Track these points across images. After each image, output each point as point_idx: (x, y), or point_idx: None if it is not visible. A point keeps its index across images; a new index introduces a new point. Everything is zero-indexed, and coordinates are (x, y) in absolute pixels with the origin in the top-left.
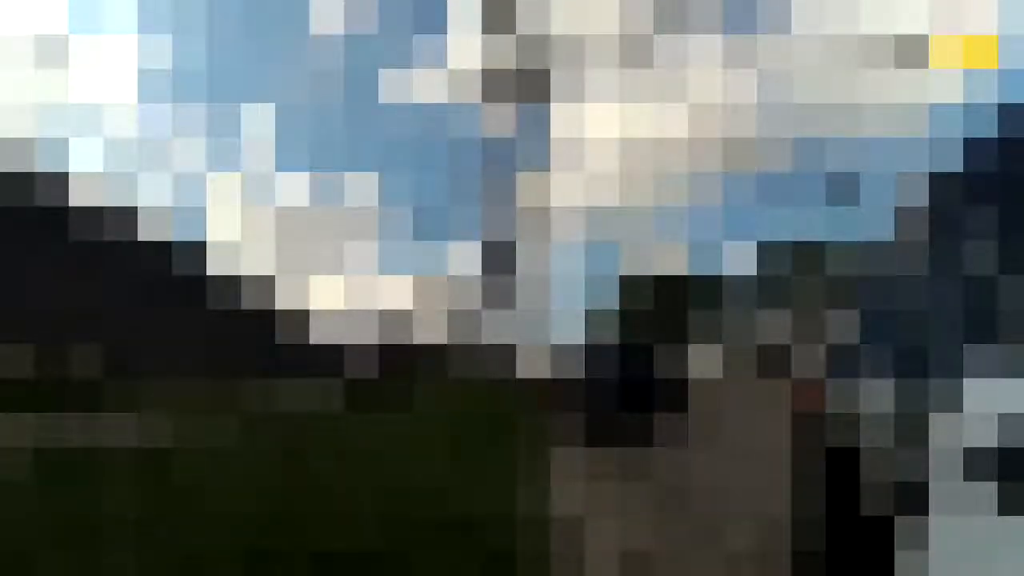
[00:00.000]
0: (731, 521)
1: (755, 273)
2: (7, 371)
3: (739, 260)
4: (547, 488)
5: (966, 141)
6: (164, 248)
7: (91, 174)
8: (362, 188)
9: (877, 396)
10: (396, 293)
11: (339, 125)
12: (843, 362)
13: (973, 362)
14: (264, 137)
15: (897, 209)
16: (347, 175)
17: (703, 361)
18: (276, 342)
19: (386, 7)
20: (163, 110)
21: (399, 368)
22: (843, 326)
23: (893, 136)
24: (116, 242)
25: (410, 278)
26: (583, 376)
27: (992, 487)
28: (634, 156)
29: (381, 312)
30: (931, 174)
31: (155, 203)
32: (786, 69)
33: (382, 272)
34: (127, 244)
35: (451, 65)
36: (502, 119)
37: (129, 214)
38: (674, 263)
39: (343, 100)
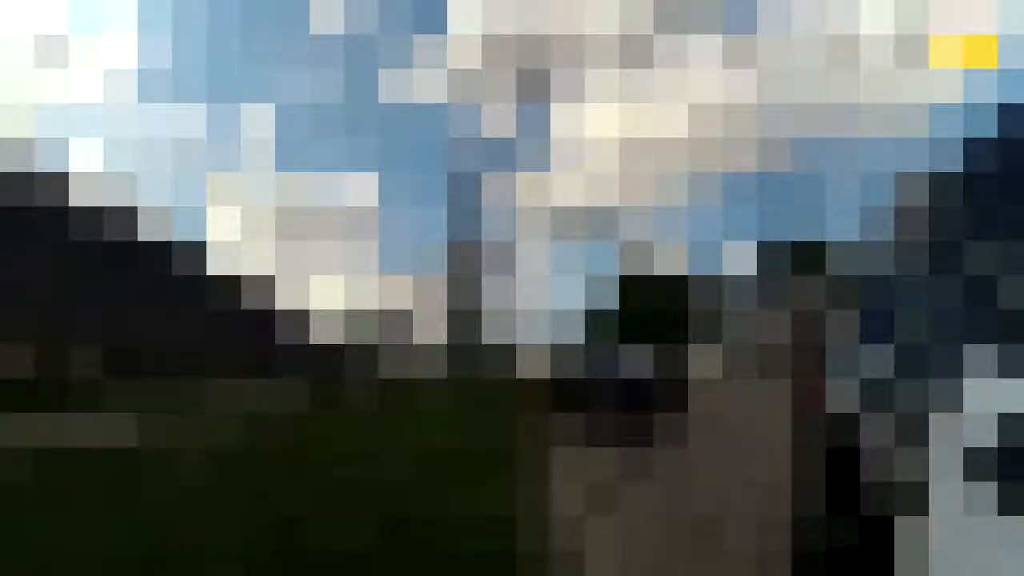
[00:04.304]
0: (731, 521)
1: (755, 273)
2: (7, 371)
3: (739, 260)
4: (547, 488)
5: (966, 141)
6: (164, 248)
7: (91, 174)
8: (362, 188)
9: (877, 396)
10: (396, 293)
11: (339, 125)
12: (843, 362)
13: (973, 362)
14: (264, 137)
15: (897, 209)
16: (347, 175)
17: (703, 361)
18: (276, 342)
19: (386, 7)
20: (163, 110)
21: (398, 368)
22: (843, 326)
23: (893, 136)
24: (116, 242)
25: (410, 278)
26: (583, 376)
27: (992, 487)
28: (634, 156)
29: (381, 312)
30: (931, 174)
31: (155, 203)
32: (786, 69)
33: (382, 272)
34: (127, 244)
35: (451, 65)
36: (502, 119)
37: (129, 214)
38: (674, 263)
39: (343, 100)
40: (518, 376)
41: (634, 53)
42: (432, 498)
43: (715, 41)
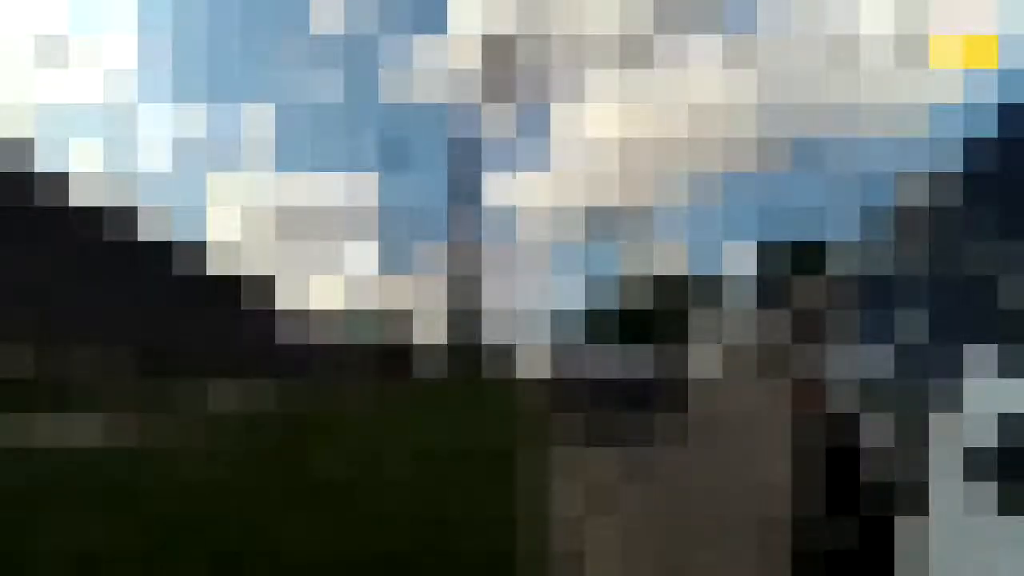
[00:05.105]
0: (731, 521)
1: (755, 273)
2: (7, 371)
3: (739, 260)
4: (547, 488)
5: (966, 141)
6: (164, 248)
7: (91, 174)
8: (362, 188)
9: (877, 396)
10: (396, 293)
11: (339, 125)
12: (843, 362)
13: (973, 362)
14: (264, 137)
15: (897, 209)
16: (347, 175)
17: (703, 361)
18: (276, 342)
19: (386, 7)
20: (163, 110)
21: (399, 368)
22: (843, 326)
23: (893, 136)
24: (116, 242)
25: (410, 278)
26: (583, 376)
27: (992, 487)
28: (634, 156)
29: (381, 312)
30: (931, 174)
31: (155, 203)
32: (786, 69)
33: (382, 272)
34: (127, 244)
35: (451, 65)
36: (502, 119)
37: (129, 214)
38: (674, 263)
39: (343, 100)
40: (518, 376)
41: (634, 53)
42: (432, 498)
43: (715, 41)
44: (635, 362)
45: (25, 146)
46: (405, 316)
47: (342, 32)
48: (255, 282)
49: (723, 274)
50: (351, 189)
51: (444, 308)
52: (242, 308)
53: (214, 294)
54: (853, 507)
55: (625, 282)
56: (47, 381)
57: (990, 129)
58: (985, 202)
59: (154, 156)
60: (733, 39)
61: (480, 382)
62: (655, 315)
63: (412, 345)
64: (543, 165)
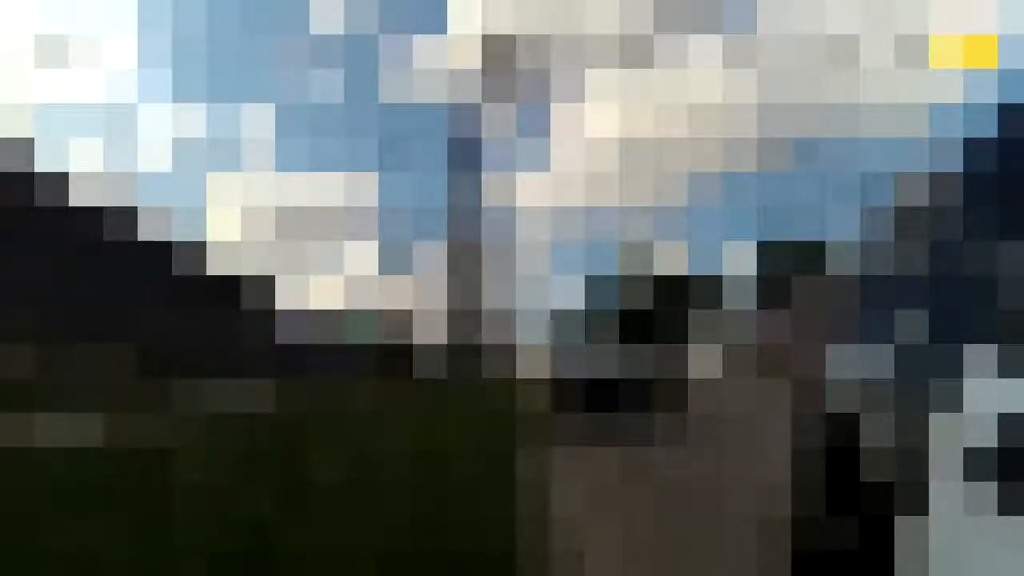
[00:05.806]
0: (731, 521)
1: (755, 273)
2: (7, 371)
3: (739, 260)
4: (547, 488)
5: (966, 141)
6: (164, 248)
7: (91, 174)
8: (362, 188)
9: (877, 396)
10: (396, 293)
11: (339, 125)
12: (843, 362)
13: (973, 362)
14: (264, 137)
15: (897, 209)
16: (347, 175)
17: (703, 361)
18: (276, 342)
19: (386, 7)
20: (163, 110)
21: (399, 368)
22: (843, 326)
23: (893, 136)
24: (116, 242)
25: (410, 278)
26: (583, 376)
27: (992, 487)
28: (634, 156)
29: (381, 312)
30: (931, 174)
31: (155, 203)
32: (786, 69)
33: (382, 272)
34: (127, 244)
35: (451, 65)
36: (502, 119)
37: (129, 214)
38: (674, 263)
39: (343, 100)
40: (518, 376)
41: (634, 53)
42: (432, 498)
43: (715, 41)
44: (635, 362)
45: (25, 146)
46: (405, 316)
47: (342, 32)
48: (255, 282)
49: (723, 274)
50: (351, 189)
51: (444, 308)
52: (242, 308)
53: (214, 294)
54: (853, 507)
55: (625, 282)
56: (47, 381)
57: (990, 129)
58: (985, 202)
59: (154, 156)
60: (733, 39)
61: (480, 382)
62: (655, 315)
63: (412, 345)
64: (543, 165)
